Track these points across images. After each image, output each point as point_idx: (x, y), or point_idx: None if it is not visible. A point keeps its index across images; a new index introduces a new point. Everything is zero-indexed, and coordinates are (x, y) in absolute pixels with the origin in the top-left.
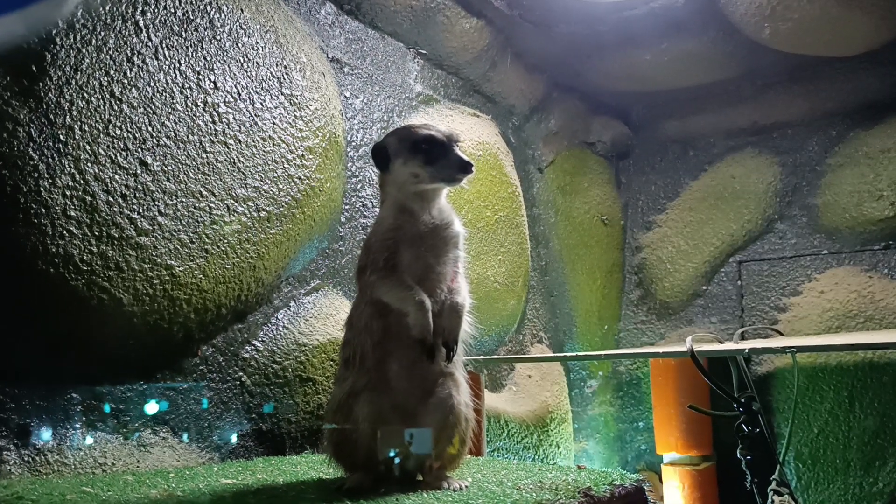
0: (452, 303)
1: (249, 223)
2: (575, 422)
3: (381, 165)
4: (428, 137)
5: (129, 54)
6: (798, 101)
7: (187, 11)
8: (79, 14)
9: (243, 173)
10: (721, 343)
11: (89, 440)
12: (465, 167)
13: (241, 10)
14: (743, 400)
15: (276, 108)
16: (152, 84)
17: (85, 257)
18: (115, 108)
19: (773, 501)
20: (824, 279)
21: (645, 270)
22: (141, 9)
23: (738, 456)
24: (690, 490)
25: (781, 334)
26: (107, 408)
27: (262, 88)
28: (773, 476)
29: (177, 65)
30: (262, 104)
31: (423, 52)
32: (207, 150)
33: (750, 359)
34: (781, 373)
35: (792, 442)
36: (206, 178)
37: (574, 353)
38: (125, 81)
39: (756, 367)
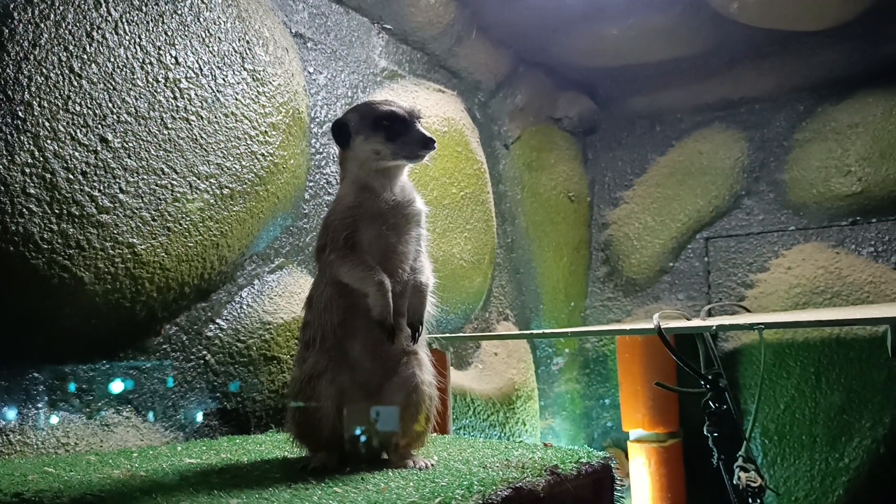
0: (416, 283)
1: (212, 200)
2: (541, 399)
3: (341, 142)
4: (389, 113)
5: (89, 29)
6: (766, 75)
7: None
8: None
9: (205, 150)
10: (688, 320)
11: (52, 420)
12: (428, 143)
13: None
14: (710, 377)
15: (238, 83)
16: (112, 60)
17: (45, 235)
18: (75, 83)
19: (739, 477)
20: (791, 255)
21: (612, 247)
22: None
23: (705, 433)
24: (657, 467)
25: (748, 311)
26: (69, 388)
27: (224, 64)
28: (740, 452)
29: (137, 40)
30: (224, 80)
31: (388, 26)
32: (169, 126)
33: (717, 335)
34: (748, 349)
35: (758, 418)
36: (168, 155)
37: (540, 331)
38: (85, 57)
39: (723, 343)
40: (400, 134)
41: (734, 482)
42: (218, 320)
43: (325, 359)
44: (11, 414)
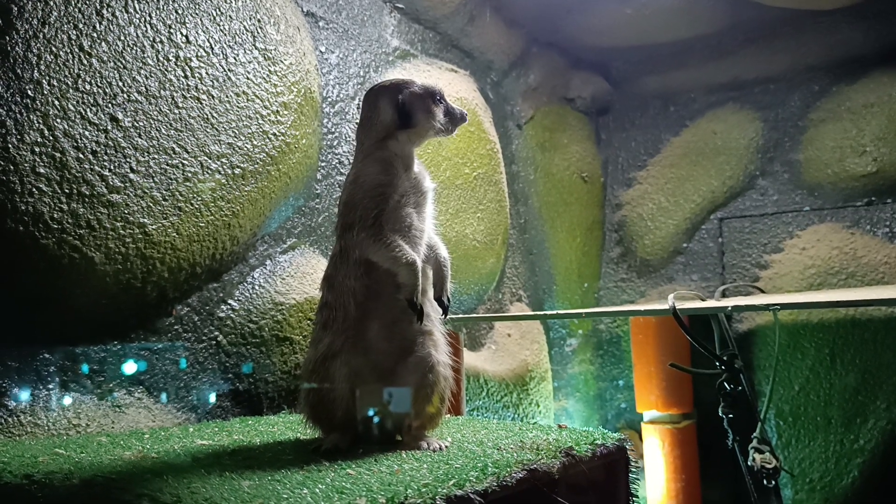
0: (440, 258)
1: (224, 180)
2: (555, 380)
3: (405, 121)
4: (438, 91)
5: (99, 7)
6: (780, 55)
7: None
8: None
9: (217, 129)
10: (703, 301)
11: (63, 401)
12: (464, 117)
13: None
14: (725, 358)
15: (249, 62)
16: (122, 38)
17: (55, 215)
18: (85, 62)
19: (754, 459)
20: (806, 236)
21: (625, 228)
22: None
23: (720, 414)
24: (671, 448)
25: (763, 292)
26: (81, 369)
27: (235, 42)
28: (754, 434)
29: (147, 18)
30: (235, 59)
31: (400, 5)
32: (180, 105)
33: (731, 316)
34: (762, 330)
35: (773, 399)
36: (179, 135)
37: (554, 312)
38: (94, 35)
39: (737, 324)
40: (449, 110)
41: (749, 463)
42: (230, 301)
43: (342, 340)
44: (22, 395)
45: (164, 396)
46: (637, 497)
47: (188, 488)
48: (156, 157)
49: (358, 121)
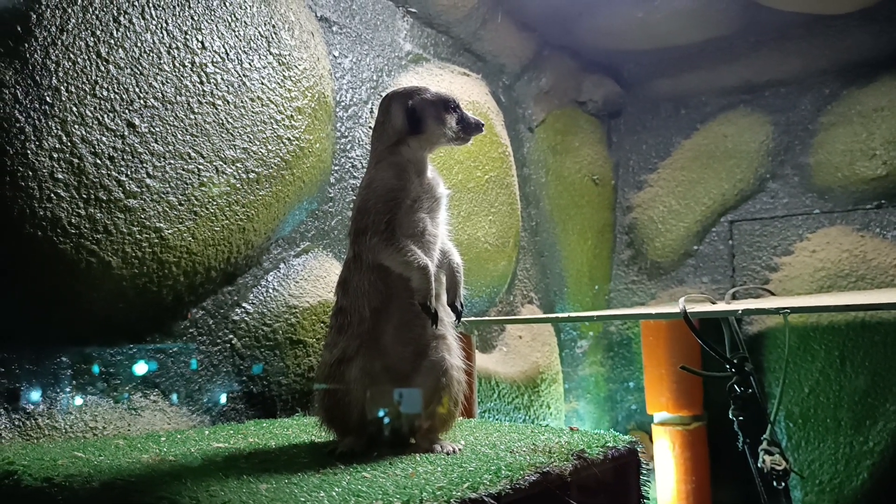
0: (453, 264)
1: (238, 185)
2: (565, 382)
3: (415, 127)
4: (452, 99)
5: (116, 14)
6: (791, 59)
7: None
8: None
9: (232, 134)
10: (714, 303)
11: (80, 404)
12: (480, 126)
13: None
14: (736, 360)
15: (264, 68)
16: (139, 44)
17: (73, 220)
18: (102, 68)
19: (764, 461)
20: (816, 239)
21: (636, 230)
22: None
23: (731, 416)
24: (681, 450)
25: (773, 294)
26: (97, 371)
27: (250, 48)
28: (765, 436)
29: (164, 24)
30: (250, 64)
31: (413, 10)
32: (195, 111)
33: (741, 319)
34: (772, 332)
35: (783, 401)
36: (195, 140)
37: (566, 315)
38: (112, 42)
39: (747, 326)
40: (463, 118)
41: (759, 465)
42: (244, 304)
43: (357, 344)
44: (40, 397)
45: (179, 399)
46: (648, 499)
47: (207, 491)
48: (172, 162)
49: (371, 125)
